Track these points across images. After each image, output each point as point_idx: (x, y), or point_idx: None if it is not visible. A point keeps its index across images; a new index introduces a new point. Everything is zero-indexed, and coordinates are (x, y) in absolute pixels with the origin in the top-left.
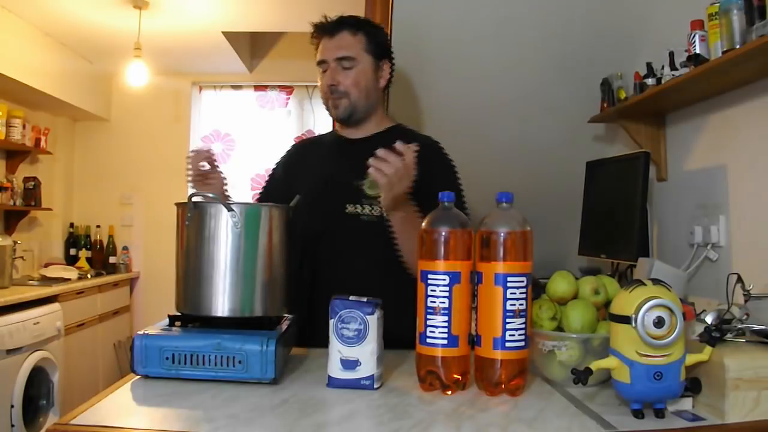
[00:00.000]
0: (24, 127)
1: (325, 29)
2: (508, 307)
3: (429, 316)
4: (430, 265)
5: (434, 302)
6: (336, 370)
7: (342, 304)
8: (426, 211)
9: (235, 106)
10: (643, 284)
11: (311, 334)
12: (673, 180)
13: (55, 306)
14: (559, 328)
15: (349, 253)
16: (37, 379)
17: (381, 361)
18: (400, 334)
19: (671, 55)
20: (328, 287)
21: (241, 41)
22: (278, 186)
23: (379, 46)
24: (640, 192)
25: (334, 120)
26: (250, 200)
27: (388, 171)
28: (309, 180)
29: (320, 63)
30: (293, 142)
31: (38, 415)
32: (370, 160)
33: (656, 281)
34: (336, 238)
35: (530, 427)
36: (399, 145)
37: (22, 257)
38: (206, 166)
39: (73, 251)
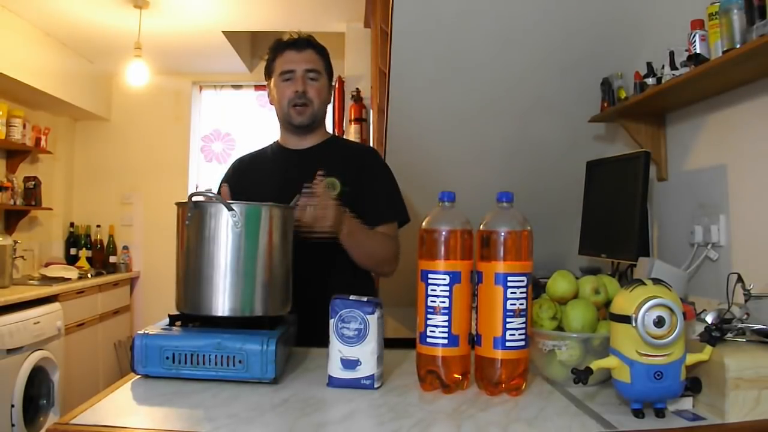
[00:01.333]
0: (24, 126)
1: (296, 44)
2: (509, 307)
3: (429, 316)
4: (430, 265)
5: (434, 302)
6: (336, 370)
7: (342, 304)
8: (369, 205)
9: (236, 106)
10: (644, 284)
11: None
12: (673, 180)
13: (56, 306)
14: (560, 328)
15: (308, 250)
16: (38, 379)
17: (381, 360)
18: None
19: (671, 54)
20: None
21: (241, 41)
22: None
23: (331, 70)
24: (640, 192)
25: (294, 126)
26: None
27: (309, 216)
28: (260, 189)
29: (287, 72)
30: (235, 159)
31: (38, 414)
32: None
33: (656, 281)
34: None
35: (530, 427)
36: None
37: (22, 257)
38: None
39: (73, 251)
